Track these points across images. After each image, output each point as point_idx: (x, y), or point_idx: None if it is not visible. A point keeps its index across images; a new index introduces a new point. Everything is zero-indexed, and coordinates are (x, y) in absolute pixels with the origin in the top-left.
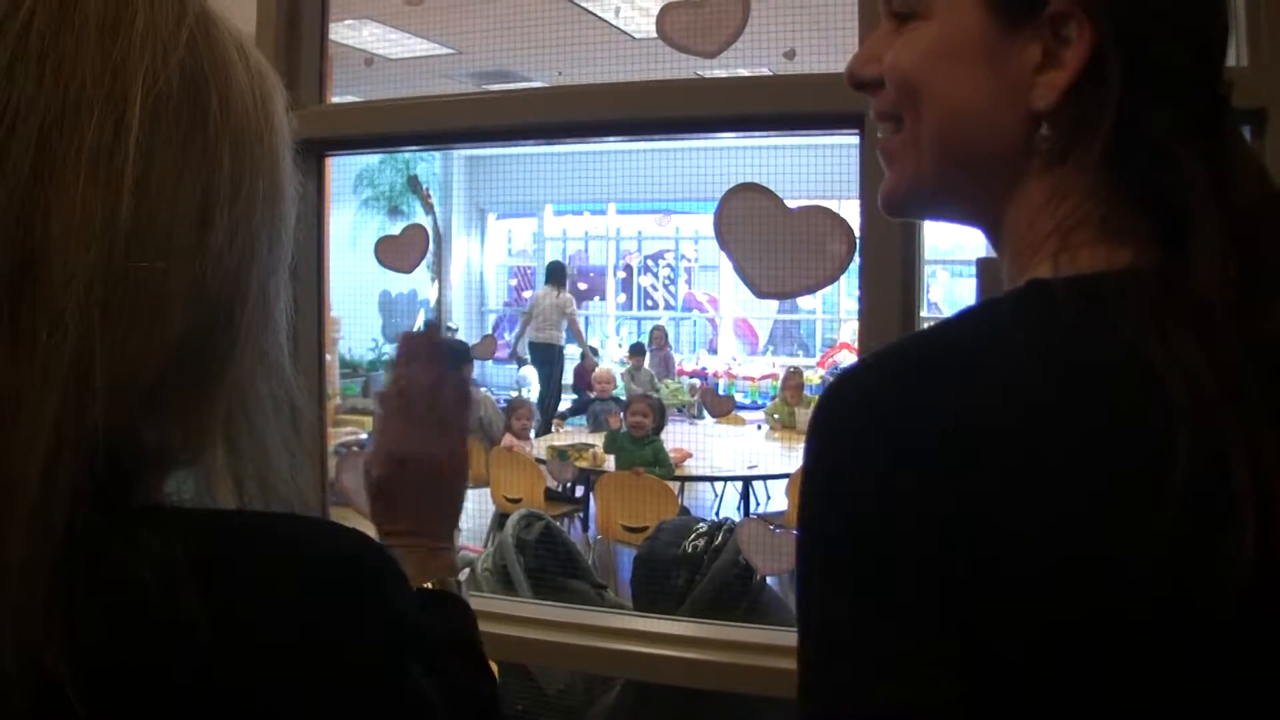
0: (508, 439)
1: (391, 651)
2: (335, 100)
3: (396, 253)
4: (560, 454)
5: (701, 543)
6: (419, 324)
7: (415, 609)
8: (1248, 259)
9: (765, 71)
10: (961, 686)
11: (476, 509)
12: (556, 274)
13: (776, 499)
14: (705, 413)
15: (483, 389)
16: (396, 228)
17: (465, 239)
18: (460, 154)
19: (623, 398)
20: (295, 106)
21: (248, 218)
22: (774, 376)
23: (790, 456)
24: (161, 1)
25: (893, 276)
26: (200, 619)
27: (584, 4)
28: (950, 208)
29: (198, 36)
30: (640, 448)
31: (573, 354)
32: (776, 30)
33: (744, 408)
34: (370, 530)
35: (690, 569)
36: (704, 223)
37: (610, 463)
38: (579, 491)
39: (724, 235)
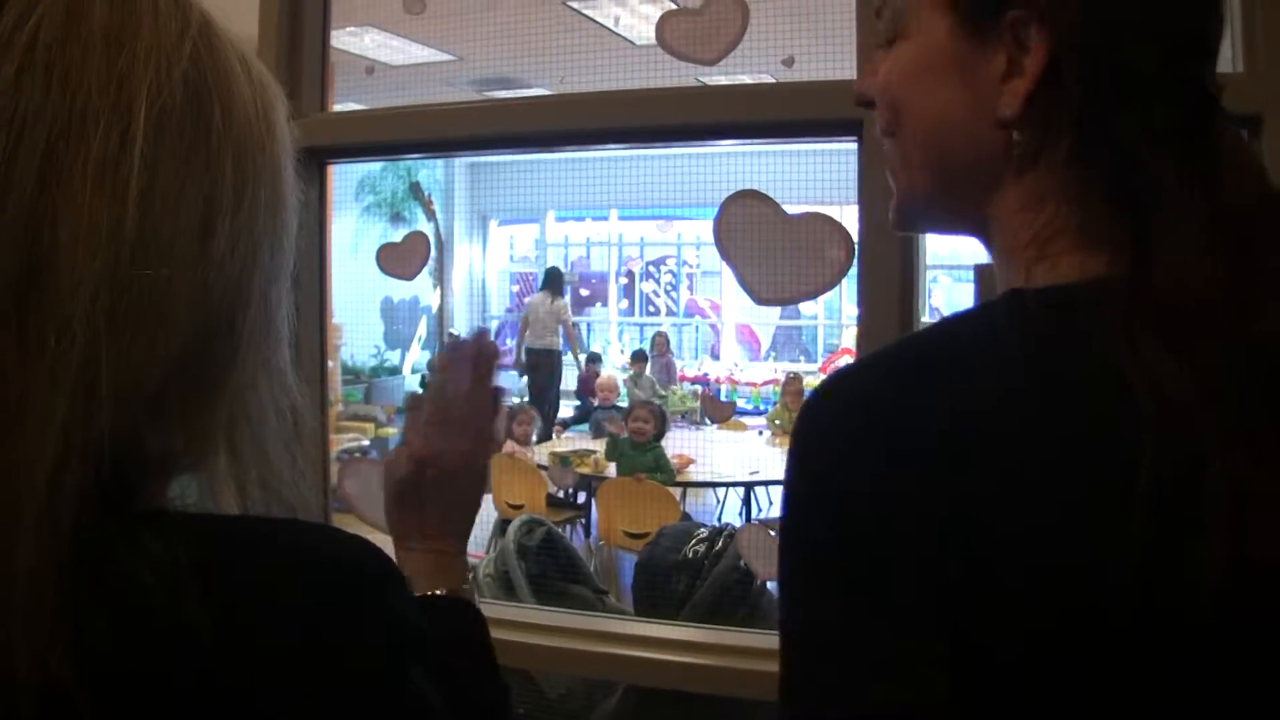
0: (509, 445)
1: (392, 655)
2: (337, 108)
3: (398, 260)
4: (562, 460)
5: (702, 548)
6: (463, 331)
7: (416, 613)
8: (1241, 259)
9: (766, 78)
10: (956, 687)
11: (480, 515)
12: (552, 280)
13: (778, 504)
14: (706, 418)
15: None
16: (398, 234)
17: (467, 245)
18: (462, 160)
19: (625, 405)
20: (297, 115)
21: (250, 227)
22: (776, 382)
23: None
24: (166, 14)
25: (891, 282)
26: (202, 622)
27: (585, 11)
28: (942, 219)
29: (201, 48)
30: (641, 454)
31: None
32: (776, 37)
33: (746, 413)
34: (371, 536)
35: (691, 574)
36: (706, 229)
37: (612, 469)
38: (581, 498)
39: (724, 242)
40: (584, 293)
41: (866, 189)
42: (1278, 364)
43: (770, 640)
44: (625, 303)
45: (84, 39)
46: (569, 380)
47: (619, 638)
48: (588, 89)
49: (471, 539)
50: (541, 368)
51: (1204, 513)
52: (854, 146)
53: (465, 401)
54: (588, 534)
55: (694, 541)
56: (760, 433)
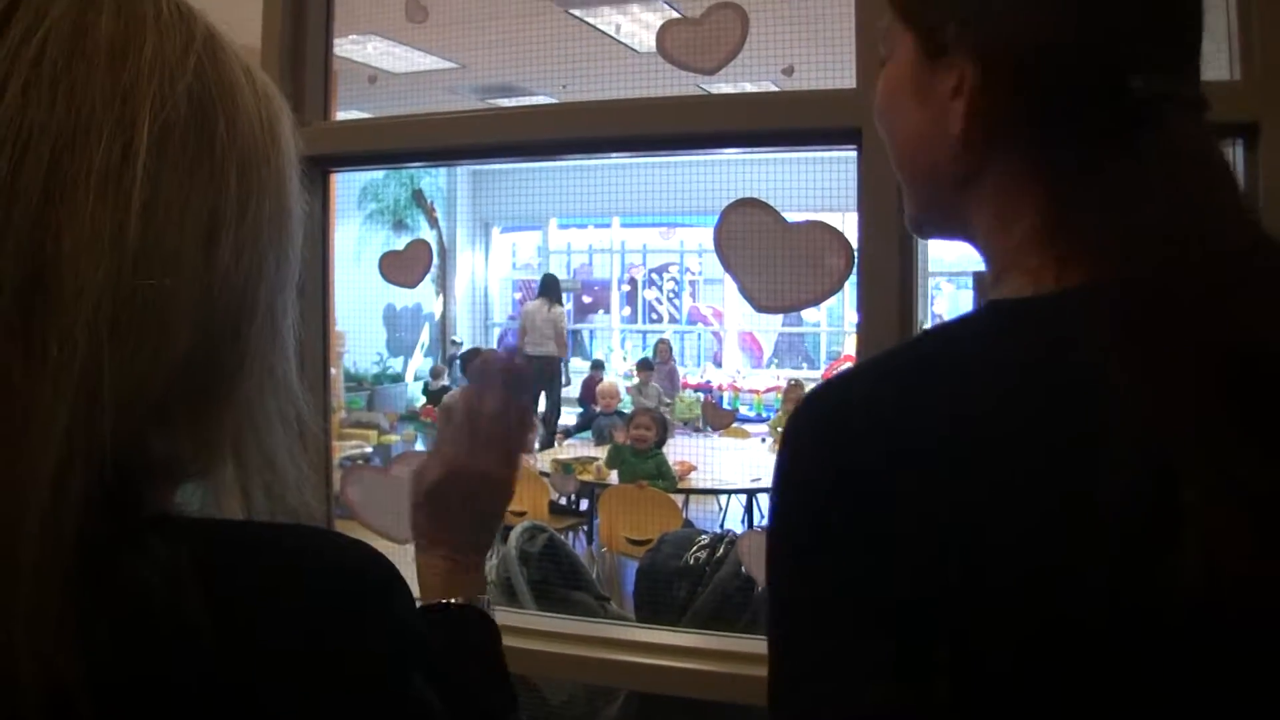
0: None
1: (394, 660)
2: (340, 116)
3: (400, 268)
4: (565, 467)
5: (703, 555)
6: (465, 339)
7: (419, 619)
8: (1188, 263)
9: (769, 85)
10: (952, 691)
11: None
12: (549, 287)
13: None
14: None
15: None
16: (401, 242)
17: (470, 252)
18: (464, 168)
19: (627, 411)
20: (300, 124)
21: (254, 237)
22: (779, 389)
23: None
24: (170, 28)
25: (890, 290)
26: (205, 625)
27: (587, 19)
28: (942, 229)
29: (205, 62)
30: (643, 461)
31: (581, 367)
32: (776, 46)
33: (748, 420)
34: (374, 542)
35: (692, 581)
36: (708, 236)
37: (614, 477)
38: (583, 505)
39: (724, 250)
40: (586, 300)
41: (866, 197)
42: (1247, 367)
43: None
44: (628, 310)
45: (89, 53)
46: (575, 388)
47: (621, 644)
48: (590, 96)
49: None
50: (541, 374)
51: (1177, 521)
52: (854, 154)
53: (497, 416)
54: (590, 541)
55: (695, 548)
56: (763, 440)
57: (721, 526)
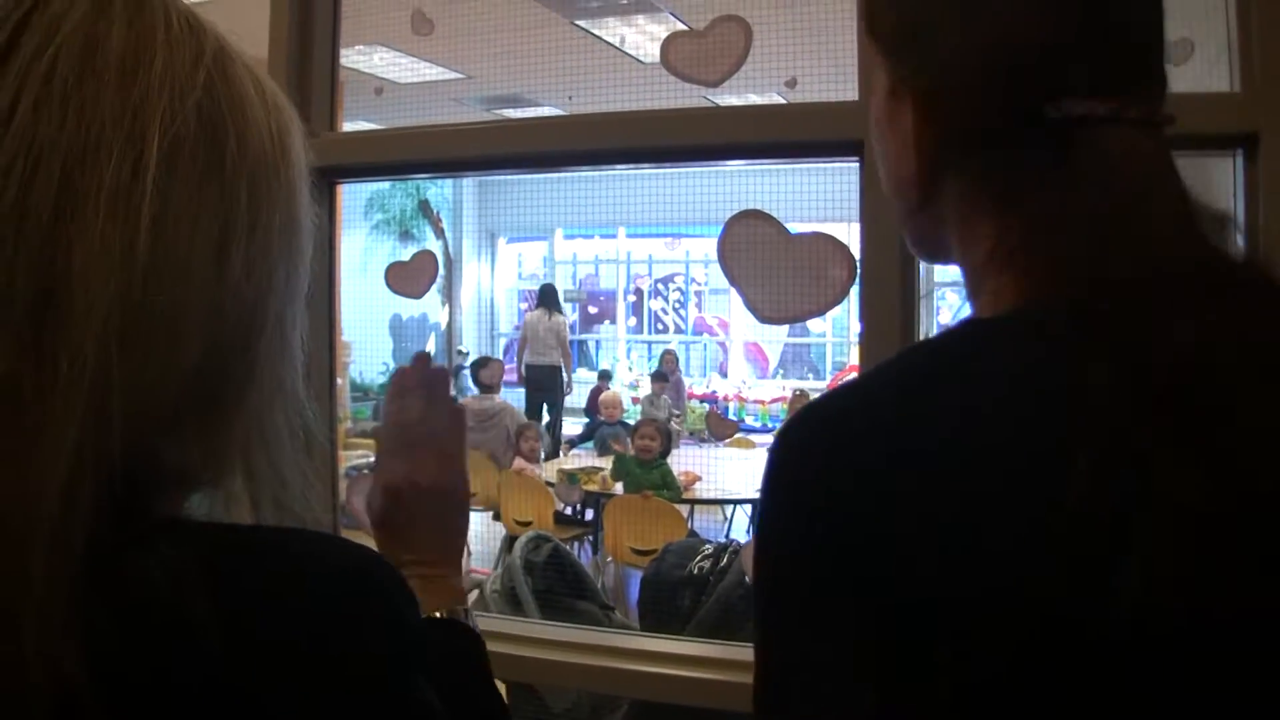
0: (518, 462)
1: (398, 663)
2: (347, 127)
3: (406, 278)
4: (570, 477)
5: (707, 564)
6: (472, 349)
7: (421, 622)
8: (1114, 284)
9: (775, 96)
10: (948, 697)
11: (487, 532)
12: (548, 297)
13: None
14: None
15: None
16: (407, 252)
17: (476, 263)
18: (470, 178)
19: (630, 423)
20: (307, 135)
21: (265, 250)
22: (784, 399)
23: None
24: (180, 44)
25: (892, 301)
26: (210, 625)
27: (593, 30)
28: (924, 250)
29: (215, 76)
30: (648, 471)
31: (588, 378)
32: (780, 59)
33: (754, 431)
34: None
35: (696, 590)
36: (714, 246)
37: (619, 488)
38: (589, 515)
39: (727, 261)
40: (592, 310)
41: (868, 209)
42: (1173, 384)
43: None
44: (633, 320)
45: (99, 70)
46: (579, 397)
47: (624, 652)
48: (595, 107)
49: (479, 555)
50: (544, 383)
51: (1133, 531)
52: (856, 166)
53: (422, 425)
54: (595, 551)
55: (699, 558)
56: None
57: (727, 536)
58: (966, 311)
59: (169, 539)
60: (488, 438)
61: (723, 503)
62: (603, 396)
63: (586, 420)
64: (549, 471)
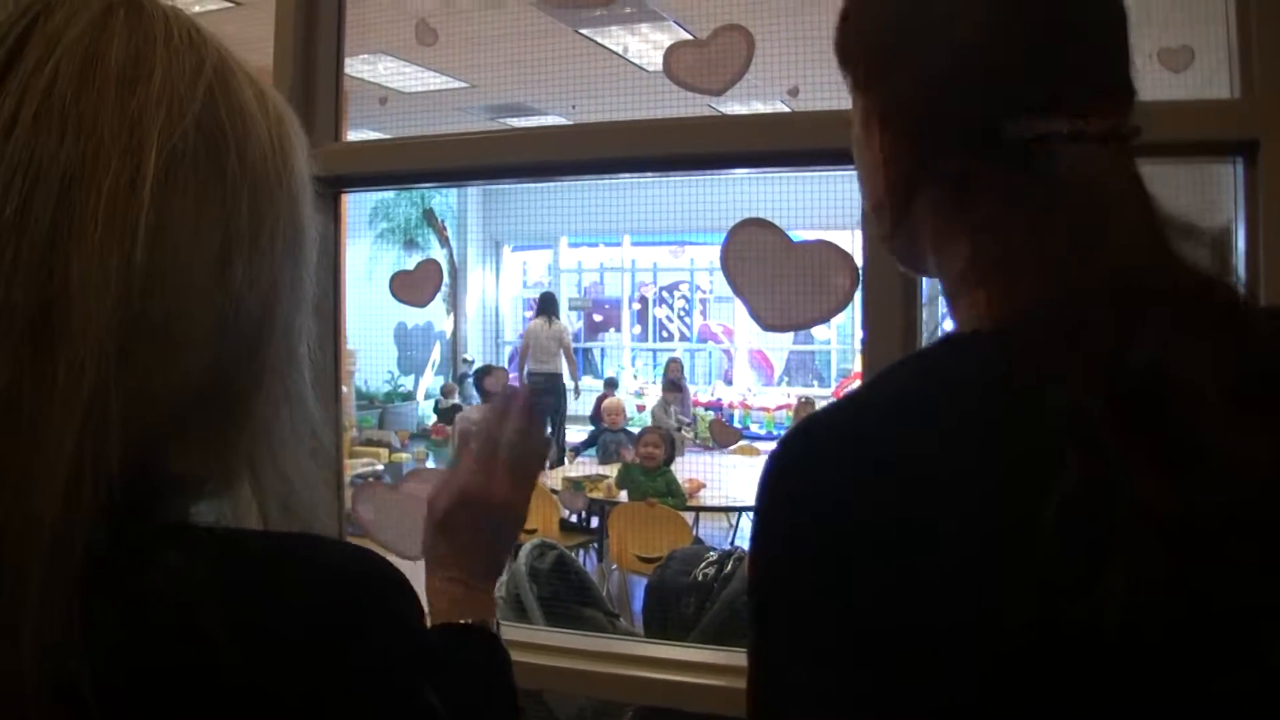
0: None
1: (401, 665)
2: (351, 135)
3: (411, 287)
4: (575, 484)
5: (712, 571)
6: (478, 357)
7: (425, 626)
8: (1074, 299)
9: (778, 105)
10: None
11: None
12: (547, 305)
13: None
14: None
15: None
16: (412, 261)
17: (480, 271)
18: (475, 187)
19: (633, 430)
20: (311, 145)
21: (268, 260)
22: (789, 407)
23: None
24: (179, 56)
25: (895, 308)
26: (216, 630)
27: (596, 38)
28: (909, 267)
29: (215, 88)
30: (652, 479)
31: (594, 386)
32: (782, 67)
33: (759, 438)
34: (383, 554)
35: (701, 596)
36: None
37: (623, 496)
38: (594, 522)
39: (731, 270)
40: (597, 318)
41: (868, 217)
42: (1165, 384)
43: None
44: (638, 328)
45: (99, 83)
46: (586, 405)
47: (629, 659)
48: (600, 116)
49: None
50: (546, 391)
51: (1113, 538)
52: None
53: (514, 446)
54: (600, 558)
55: (704, 565)
56: None
57: (732, 543)
58: (949, 325)
59: (176, 545)
60: None
61: (728, 510)
62: (605, 403)
63: (593, 428)
64: (554, 479)
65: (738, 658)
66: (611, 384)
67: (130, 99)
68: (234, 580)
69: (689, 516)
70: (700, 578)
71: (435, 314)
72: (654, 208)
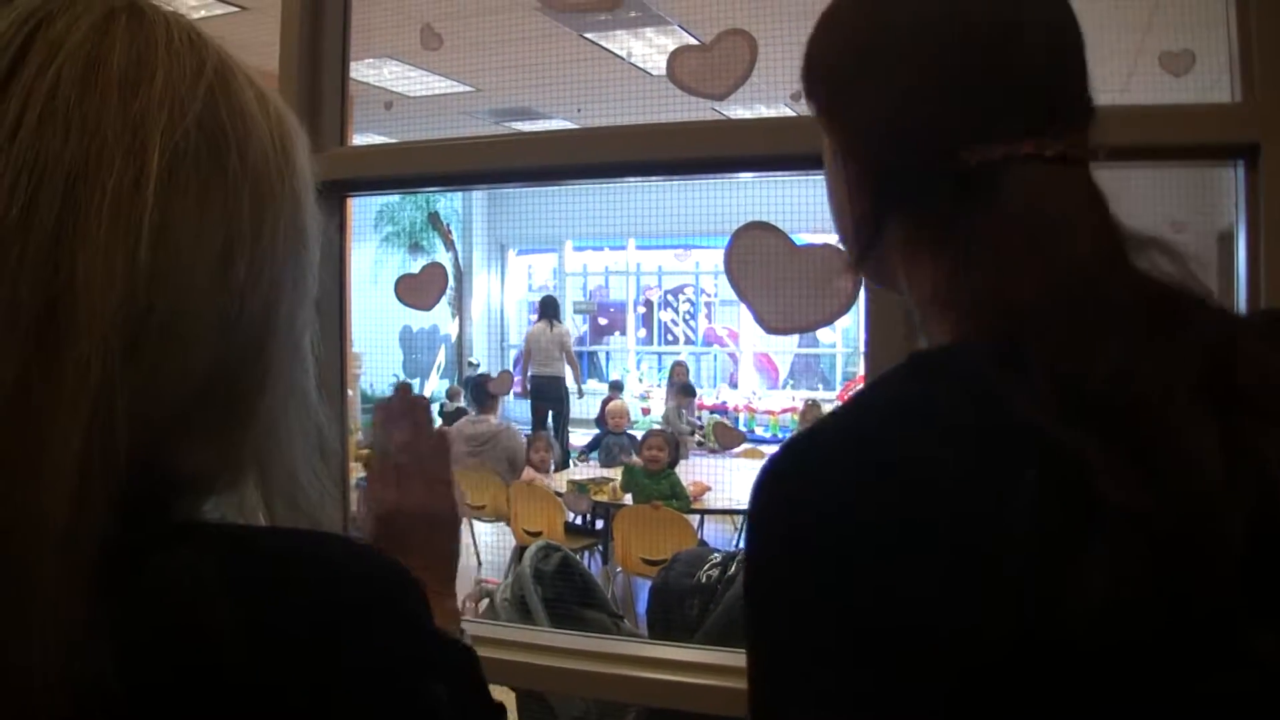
0: (528, 473)
1: (412, 665)
2: (357, 139)
3: (416, 290)
4: (580, 487)
5: (715, 572)
6: (482, 361)
7: (433, 625)
8: (1042, 305)
9: (783, 109)
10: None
11: (498, 542)
12: (549, 308)
13: None
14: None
15: (508, 422)
16: (417, 264)
17: (486, 274)
18: (480, 190)
19: (635, 433)
20: (317, 149)
21: (271, 257)
22: (794, 410)
23: None
24: (180, 59)
25: (896, 312)
26: (229, 627)
27: (601, 42)
28: (885, 288)
29: (216, 89)
30: (656, 482)
31: (599, 389)
32: (785, 71)
33: (765, 441)
34: None
35: (704, 598)
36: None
37: (628, 499)
38: (599, 525)
39: (734, 273)
40: (602, 322)
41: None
42: (1128, 390)
43: None
44: (643, 331)
45: (101, 85)
46: (590, 408)
47: (633, 660)
48: (605, 119)
49: (489, 565)
50: (548, 394)
51: (1087, 539)
52: None
53: (407, 452)
54: (606, 561)
55: (708, 566)
56: None
57: (736, 546)
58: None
59: (187, 542)
60: (483, 461)
61: (733, 513)
62: (610, 406)
63: (599, 431)
64: (559, 482)
65: (741, 659)
66: (616, 387)
67: (133, 100)
68: (242, 578)
69: (694, 519)
70: (704, 580)
71: (440, 317)
72: (658, 211)
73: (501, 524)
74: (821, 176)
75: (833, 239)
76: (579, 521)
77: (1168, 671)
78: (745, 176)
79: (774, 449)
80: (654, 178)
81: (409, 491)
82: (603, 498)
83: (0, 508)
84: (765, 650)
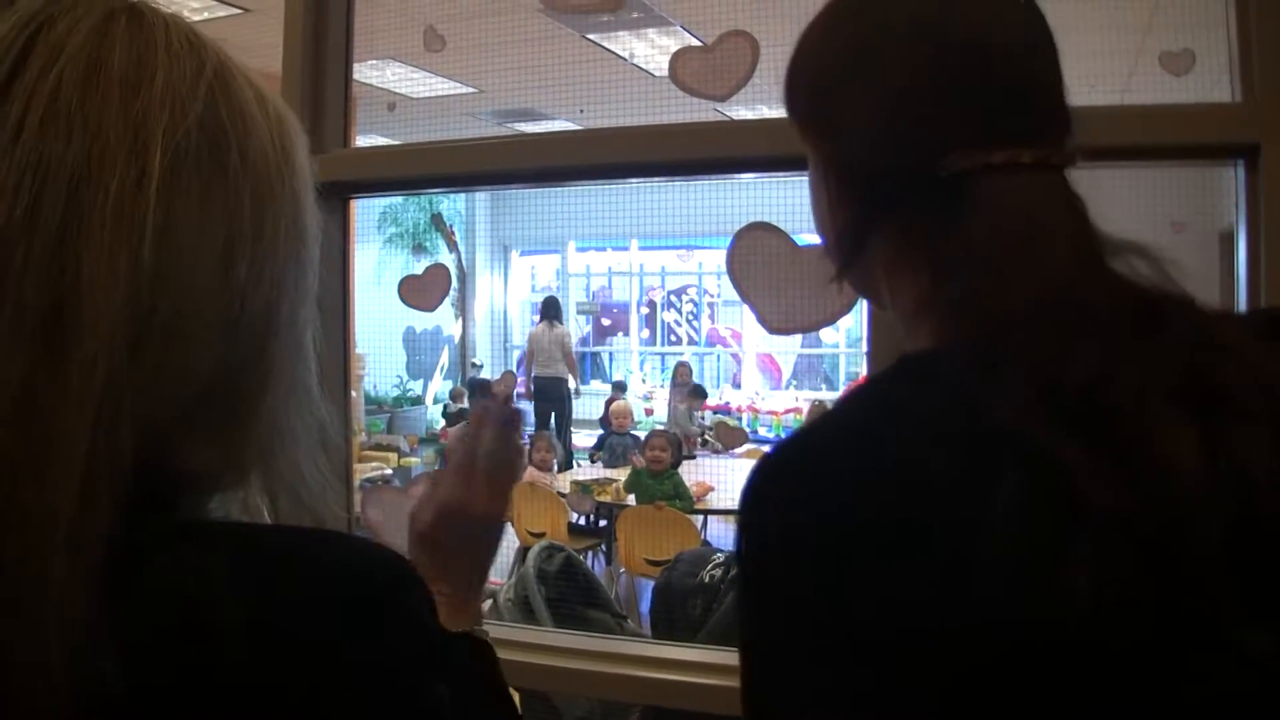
0: (530, 474)
1: (417, 664)
2: (360, 140)
3: (419, 291)
4: (583, 488)
5: (718, 572)
6: (486, 363)
7: (438, 625)
8: (1018, 310)
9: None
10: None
11: (501, 543)
12: (550, 309)
13: None
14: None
15: None
16: (420, 266)
17: (489, 275)
18: (483, 192)
19: (639, 434)
20: (320, 151)
21: (272, 255)
22: (798, 410)
23: None
24: (180, 60)
25: None
26: (236, 626)
27: (603, 43)
28: (869, 300)
29: (215, 90)
30: (660, 483)
31: (603, 390)
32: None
33: (767, 442)
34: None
35: (707, 598)
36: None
37: (631, 499)
38: (603, 524)
39: (736, 274)
40: (605, 322)
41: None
42: (1106, 391)
43: None
44: (646, 332)
45: (102, 87)
46: (592, 409)
47: (636, 659)
48: (608, 120)
49: (493, 566)
50: (550, 394)
51: (1068, 540)
52: None
53: (491, 458)
54: (609, 561)
55: (710, 566)
56: None
57: None
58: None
59: (192, 541)
60: None
61: (736, 513)
62: (614, 407)
63: (602, 432)
64: (563, 482)
65: None
66: (619, 387)
67: (134, 101)
68: (246, 577)
69: (697, 519)
70: (707, 579)
71: (444, 318)
72: (661, 212)
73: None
74: None
75: None
76: (582, 521)
77: (1159, 671)
78: (747, 177)
79: None
80: (657, 179)
81: (478, 494)
82: (606, 498)
83: (7, 508)
84: (761, 649)
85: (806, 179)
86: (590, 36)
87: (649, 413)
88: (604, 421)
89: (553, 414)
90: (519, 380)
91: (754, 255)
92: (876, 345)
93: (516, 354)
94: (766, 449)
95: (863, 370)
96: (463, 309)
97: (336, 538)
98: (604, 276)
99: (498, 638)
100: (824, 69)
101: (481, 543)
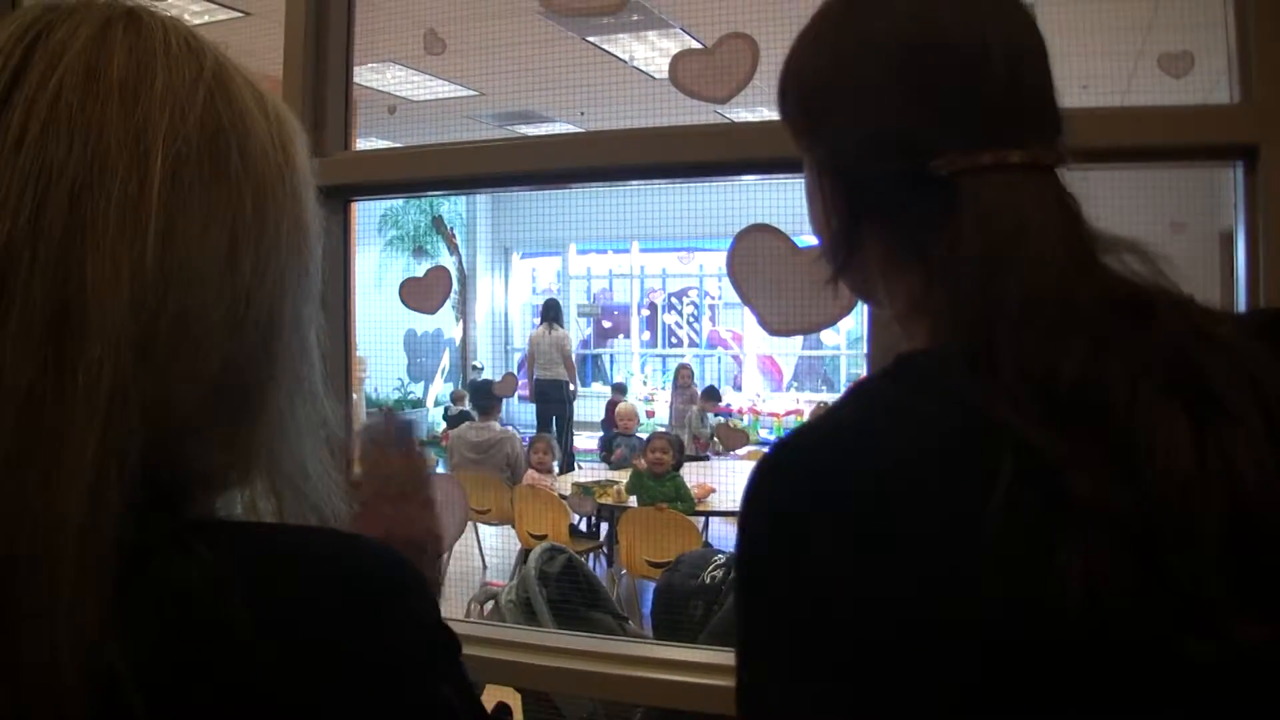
0: (530, 476)
1: (424, 663)
2: (361, 143)
3: (420, 294)
4: (584, 490)
5: (720, 574)
6: (486, 365)
7: (444, 625)
8: (1008, 307)
9: None
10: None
11: (502, 545)
12: (550, 311)
13: None
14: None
15: (510, 428)
16: (421, 268)
17: (490, 278)
18: (484, 194)
19: (641, 436)
20: (321, 153)
21: (274, 254)
22: (799, 412)
23: None
24: (179, 64)
25: None
26: (243, 623)
27: (604, 46)
28: (866, 302)
29: (215, 92)
30: (661, 485)
31: (603, 392)
32: None
33: (769, 444)
34: None
35: (708, 599)
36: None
37: (633, 501)
38: (604, 528)
39: (737, 275)
40: (606, 325)
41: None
42: (1063, 397)
43: None
44: (647, 334)
45: (102, 94)
46: (591, 410)
47: (638, 660)
48: (608, 122)
49: (494, 568)
50: (551, 397)
51: (1058, 541)
52: None
53: (402, 475)
54: (611, 563)
55: (712, 567)
56: None
57: None
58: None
59: (202, 539)
60: (486, 467)
61: (737, 515)
62: (619, 409)
63: (603, 434)
64: (564, 484)
65: None
66: (620, 389)
67: (134, 106)
68: (253, 575)
69: (698, 521)
70: (708, 580)
71: (445, 321)
72: (662, 214)
73: (506, 527)
74: None
75: None
76: (583, 524)
77: (1152, 665)
78: (748, 179)
79: None
80: (657, 181)
81: (400, 518)
82: (607, 500)
83: (18, 510)
84: (757, 648)
85: (800, 179)
86: (590, 39)
87: (650, 415)
88: (605, 423)
89: (554, 417)
90: (520, 383)
91: (754, 257)
92: (876, 347)
93: (517, 356)
94: (766, 450)
95: (863, 372)
96: (463, 311)
97: (341, 538)
98: (605, 279)
99: (500, 639)
100: (815, 72)
101: (425, 556)
